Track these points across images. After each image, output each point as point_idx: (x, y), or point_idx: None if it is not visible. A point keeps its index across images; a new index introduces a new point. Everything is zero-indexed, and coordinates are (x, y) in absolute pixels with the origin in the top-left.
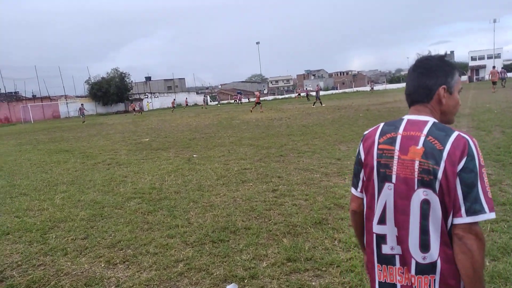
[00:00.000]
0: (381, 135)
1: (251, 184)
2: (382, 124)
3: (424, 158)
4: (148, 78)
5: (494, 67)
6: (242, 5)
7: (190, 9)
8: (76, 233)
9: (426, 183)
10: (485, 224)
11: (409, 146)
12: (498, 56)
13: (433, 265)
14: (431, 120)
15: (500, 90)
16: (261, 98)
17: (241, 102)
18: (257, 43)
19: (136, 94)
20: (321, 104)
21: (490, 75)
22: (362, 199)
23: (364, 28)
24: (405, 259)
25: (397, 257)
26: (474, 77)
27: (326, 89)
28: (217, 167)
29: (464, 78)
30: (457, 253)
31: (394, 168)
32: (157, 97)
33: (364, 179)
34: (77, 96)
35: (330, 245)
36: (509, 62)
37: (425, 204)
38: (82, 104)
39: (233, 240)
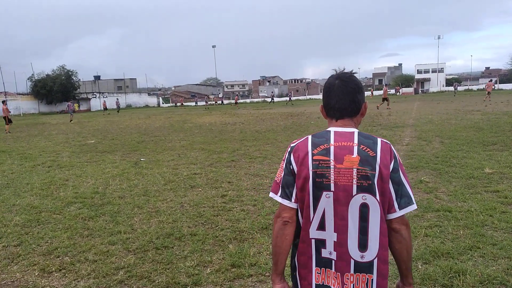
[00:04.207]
0: (313, 146)
1: (200, 189)
2: (310, 137)
3: (361, 166)
4: (97, 77)
5: (490, 80)
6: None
7: (142, 9)
8: (9, 239)
9: (365, 188)
10: (420, 229)
11: (343, 156)
12: (441, 70)
13: (370, 264)
14: (355, 130)
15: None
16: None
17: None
18: (213, 46)
19: (83, 93)
20: None
21: (486, 86)
22: (296, 209)
23: (318, 39)
24: (342, 262)
25: (333, 262)
26: (420, 89)
27: (281, 95)
28: (166, 172)
29: (410, 90)
30: (394, 244)
31: (332, 177)
32: (106, 97)
33: (296, 190)
34: (18, 94)
35: None
36: (450, 77)
37: (364, 208)
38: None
39: (178, 246)
